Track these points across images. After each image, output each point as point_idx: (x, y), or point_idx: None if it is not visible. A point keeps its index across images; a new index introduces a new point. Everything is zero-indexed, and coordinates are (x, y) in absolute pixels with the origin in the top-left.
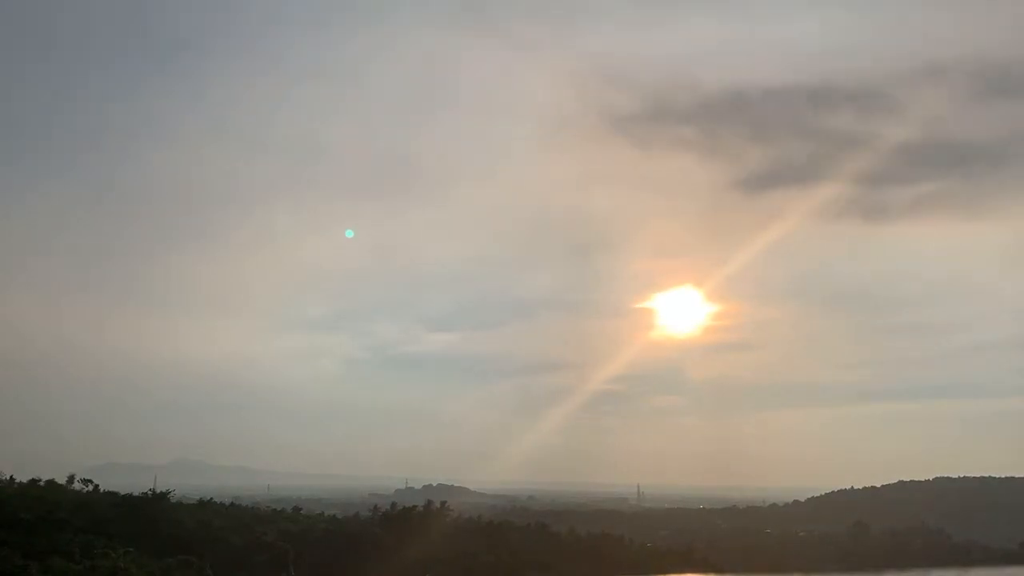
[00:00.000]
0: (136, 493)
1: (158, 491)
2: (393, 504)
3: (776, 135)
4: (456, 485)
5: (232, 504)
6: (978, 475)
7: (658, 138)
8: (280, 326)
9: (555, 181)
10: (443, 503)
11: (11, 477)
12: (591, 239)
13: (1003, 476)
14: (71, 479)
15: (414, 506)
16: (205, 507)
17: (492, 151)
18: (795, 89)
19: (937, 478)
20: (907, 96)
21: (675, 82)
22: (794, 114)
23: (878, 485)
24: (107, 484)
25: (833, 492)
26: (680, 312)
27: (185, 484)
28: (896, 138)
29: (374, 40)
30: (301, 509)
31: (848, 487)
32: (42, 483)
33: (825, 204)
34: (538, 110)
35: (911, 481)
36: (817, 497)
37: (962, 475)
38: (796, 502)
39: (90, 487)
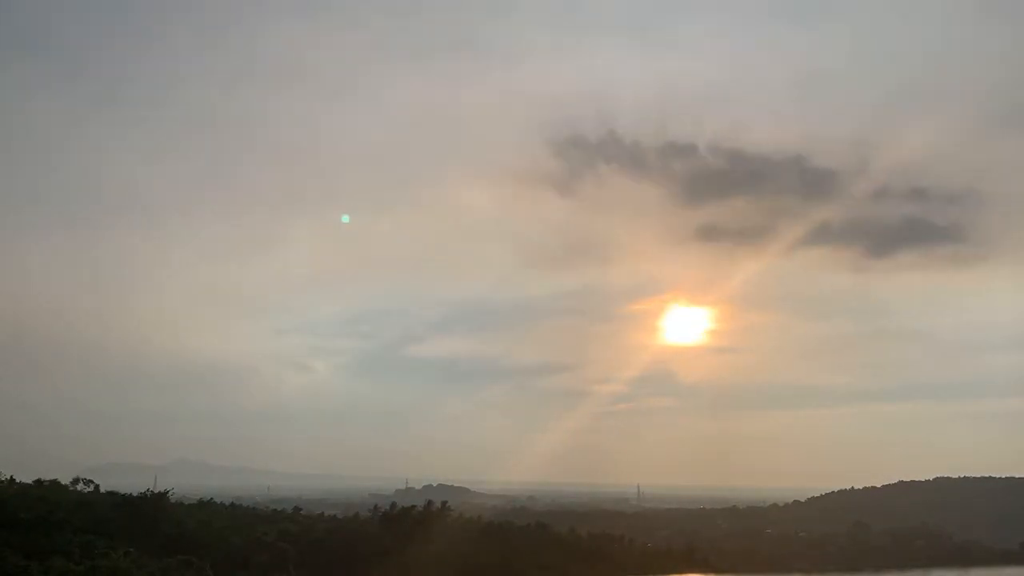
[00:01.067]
0: (136, 493)
1: (158, 491)
2: (393, 504)
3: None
4: (456, 485)
5: (232, 504)
6: (978, 475)
7: (593, 163)
8: (281, 327)
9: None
10: (443, 503)
11: (11, 477)
12: (573, 251)
13: (1003, 476)
14: (71, 479)
15: (414, 506)
16: (205, 507)
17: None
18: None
19: (937, 478)
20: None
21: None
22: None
23: (878, 485)
24: (107, 484)
25: (833, 492)
26: (674, 316)
27: (185, 484)
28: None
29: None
30: (301, 509)
31: (848, 487)
32: (42, 483)
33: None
34: (481, 132)
35: (911, 481)
36: (817, 497)
37: (962, 475)
38: (796, 502)
39: (90, 487)
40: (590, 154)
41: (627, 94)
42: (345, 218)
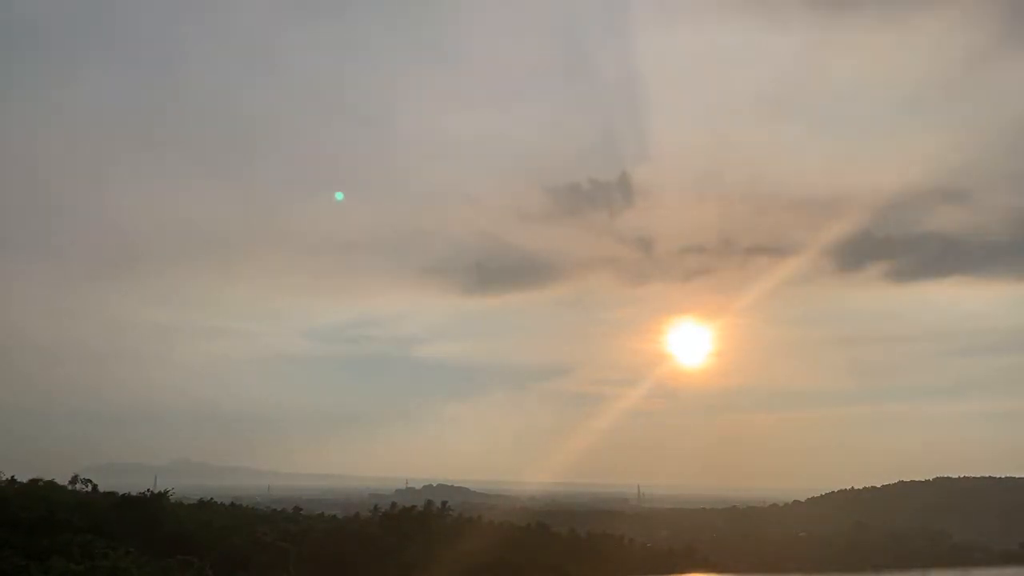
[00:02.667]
0: (136, 493)
1: (158, 491)
2: (393, 504)
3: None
4: (456, 485)
5: (232, 504)
6: (978, 475)
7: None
8: (282, 328)
9: None
10: (443, 503)
11: (11, 477)
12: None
13: (1003, 476)
14: (71, 479)
15: (414, 506)
16: (205, 507)
17: None
18: None
19: (937, 478)
20: None
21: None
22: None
23: (878, 485)
24: (107, 484)
25: (833, 492)
26: (667, 322)
27: (185, 484)
28: None
29: None
30: (301, 509)
31: (848, 487)
32: (42, 483)
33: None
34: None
35: (911, 481)
36: (817, 497)
37: (962, 475)
38: (796, 502)
39: (90, 487)
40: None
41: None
42: (339, 195)
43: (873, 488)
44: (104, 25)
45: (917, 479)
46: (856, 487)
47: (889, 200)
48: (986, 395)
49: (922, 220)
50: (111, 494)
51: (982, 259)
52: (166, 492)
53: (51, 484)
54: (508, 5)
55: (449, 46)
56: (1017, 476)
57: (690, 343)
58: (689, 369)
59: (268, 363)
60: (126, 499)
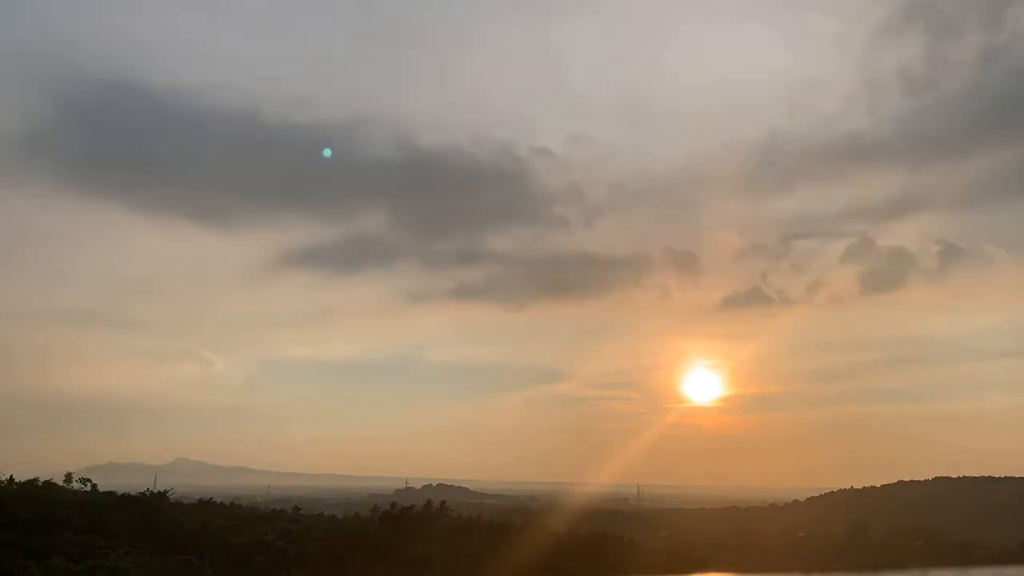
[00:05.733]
0: (136, 493)
1: (158, 491)
2: (393, 504)
3: None
4: (456, 485)
5: (232, 504)
6: (978, 475)
7: None
8: (282, 329)
9: None
10: (443, 503)
11: (11, 477)
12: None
13: (1003, 476)
14: (70, 479)
15: (414, 506)
16: (205, 507)
17: None
18: None
19: (937, 478)
20: None
21: None
22: None
23: (878, 485)
24: (107, 484)
25: (833, 492)
26: (664, 325)
27: (185, 484)
28: None
29: None
30: (301, 509)
31: (848, 487)
32: (41, 483)
33: None
34: None
35: (911, 481)
36: (817, 497)
37: (962, 475)
38: (796, 502)
39: (89, 487)
40: None
41: None
42: (327, 152)
43: (873, 488)
44: None
45: (917, 479)
46: (856, 487)
47: None
48: (986, 395)
49: None
50: (111, 494)
51: None
52: (166, 492)
53: (50, 484)
54: None
55: None
56: (1016, 476)
57: (688, 346)
58: (688, 372)
59: (268, 362)
60: (126, 499)
